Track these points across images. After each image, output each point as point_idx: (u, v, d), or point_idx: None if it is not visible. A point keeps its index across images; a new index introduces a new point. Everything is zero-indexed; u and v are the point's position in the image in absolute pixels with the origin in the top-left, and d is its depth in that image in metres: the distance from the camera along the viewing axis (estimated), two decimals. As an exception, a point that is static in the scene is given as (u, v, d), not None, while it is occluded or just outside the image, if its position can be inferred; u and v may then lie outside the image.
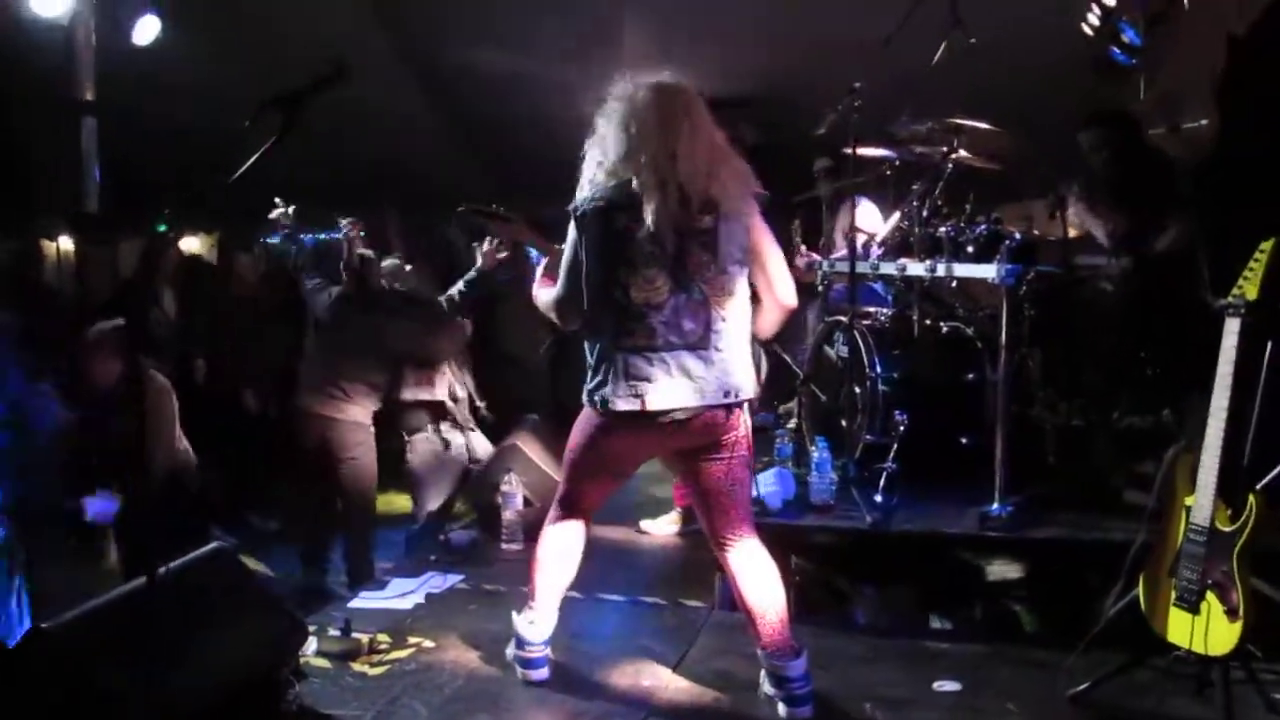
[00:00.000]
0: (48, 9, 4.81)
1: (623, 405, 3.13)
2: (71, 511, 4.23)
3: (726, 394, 3.15)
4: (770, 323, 3.41)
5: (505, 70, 7.12)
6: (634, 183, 3.09)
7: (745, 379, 3.21)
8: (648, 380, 3.11)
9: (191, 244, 11.07)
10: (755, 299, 3.33)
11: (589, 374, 3.25)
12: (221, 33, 6.22)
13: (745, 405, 3.25)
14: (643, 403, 3.11)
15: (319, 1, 6.33)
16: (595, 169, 3.20)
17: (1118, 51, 6.11)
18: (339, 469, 5.12)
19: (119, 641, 2.75)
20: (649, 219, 3.05)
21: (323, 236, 5.30)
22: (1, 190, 7.00)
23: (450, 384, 5.79)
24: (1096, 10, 5.92)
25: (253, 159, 2.29)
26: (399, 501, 6.50)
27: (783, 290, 3.30)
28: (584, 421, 3.32)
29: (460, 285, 5.23)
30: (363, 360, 5.16)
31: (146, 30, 5.39)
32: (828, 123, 4.33)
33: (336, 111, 6.94)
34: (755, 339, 3.42)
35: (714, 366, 3.14)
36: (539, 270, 3.55)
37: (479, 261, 5.17)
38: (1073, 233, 4.89)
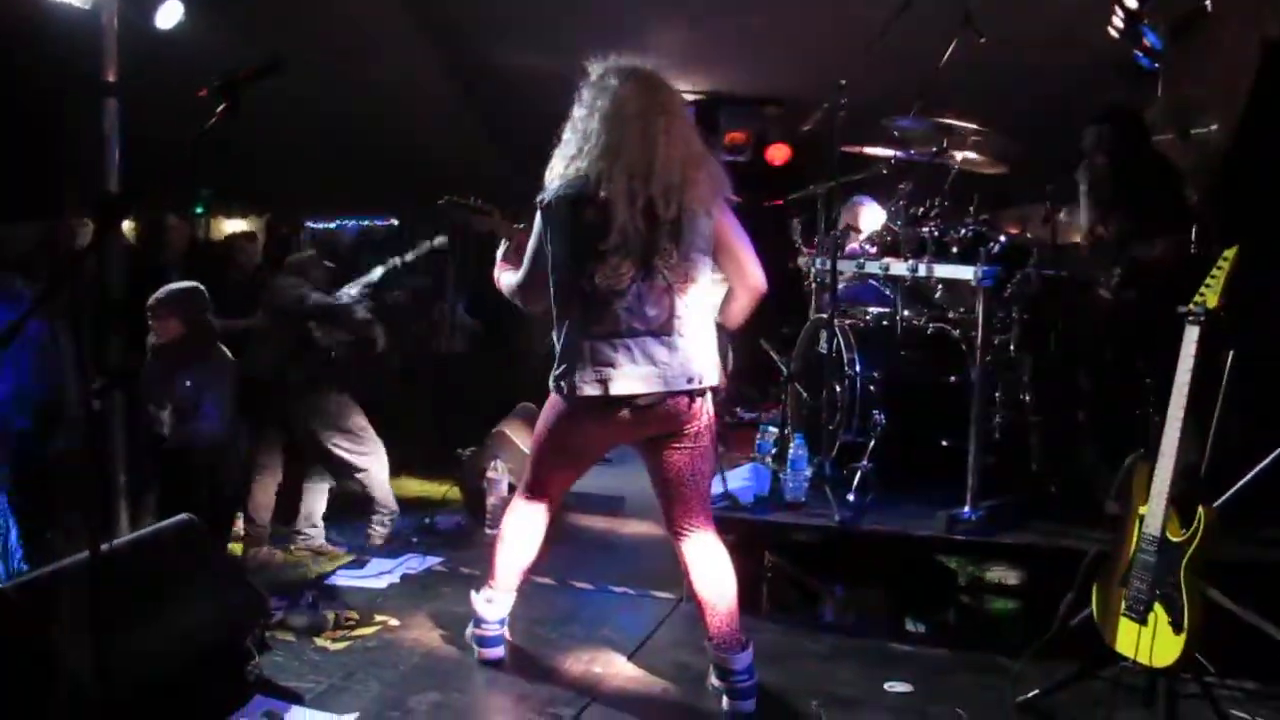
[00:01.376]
0: (72, -8, 4.91)
1: (587, 390, 3.15)
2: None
3: (690, 380, 3.15)
4: (740, 309, 3.38)
5: (532, 67, 7.12)
6: (603, 189, 3.06)
7: (709, 366, 3.20)
8: (612, 365, 3.12)
9: (238, 225, 11.32)
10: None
11: (556, 360, 3.27)
12: (248, 19, 6.31)
13: (709, 393, 3.24)
14: (606, 388, 3.13)
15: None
16: (569, 162, 3.16)
17: (1140, 55, 6.02)
18: None
19: (75, 606, 2.83)
20: (616, 222, 3.05)
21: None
22: (33, 171, 7.20)
23: None
24: (1120, 13, 5.82)
25: (198, 138, 2.34)
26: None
27: (753, 275, 3.28)
28: (550, 407, 3.35)
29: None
30: None
31: (169, 15, 5.51)
32: (815, 120, 4.28)
33: (361, 101, 7.06)
34: (723, 328, 3.41)
35: (678, 352, 3.14)
36: (499, 254, 3.58)
37: None
38: (1076, 238, 4.81)
